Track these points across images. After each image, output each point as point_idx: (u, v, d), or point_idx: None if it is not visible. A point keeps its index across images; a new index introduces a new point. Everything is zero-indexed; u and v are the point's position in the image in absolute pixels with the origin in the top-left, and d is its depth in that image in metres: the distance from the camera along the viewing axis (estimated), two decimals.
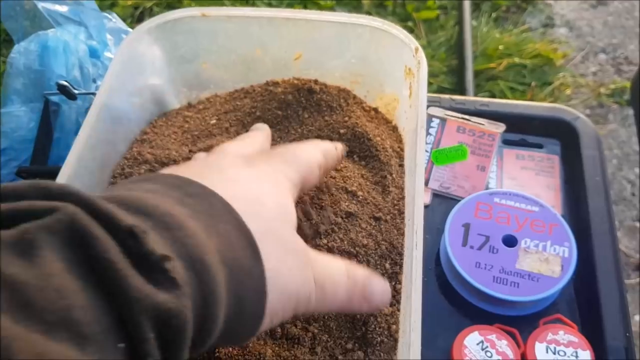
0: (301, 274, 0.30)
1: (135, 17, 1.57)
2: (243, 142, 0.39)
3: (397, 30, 0.48)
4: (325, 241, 0.40)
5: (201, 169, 0.31)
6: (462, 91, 1.39)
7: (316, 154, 0.37)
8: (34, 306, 0.18)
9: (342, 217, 0.41)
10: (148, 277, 0.21)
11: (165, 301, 0.21)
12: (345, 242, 0.40)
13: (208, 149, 0.47)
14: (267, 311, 0.27)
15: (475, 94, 1.40)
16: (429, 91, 0.45)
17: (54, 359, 0.17)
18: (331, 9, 1.63)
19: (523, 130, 0.59)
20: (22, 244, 0.20)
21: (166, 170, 0.31)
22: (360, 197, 0.43)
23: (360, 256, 0.39)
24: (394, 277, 0.40)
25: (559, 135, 0.59)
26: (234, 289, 0.25)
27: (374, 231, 0.41)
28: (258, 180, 0.31)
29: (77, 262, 0.20)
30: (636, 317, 1.17)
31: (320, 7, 1.62)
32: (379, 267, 0.40)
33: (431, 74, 1.45)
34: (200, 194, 0.27)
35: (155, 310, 0.20)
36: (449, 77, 1.47)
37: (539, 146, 0.59)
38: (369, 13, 1.64)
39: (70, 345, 0.18)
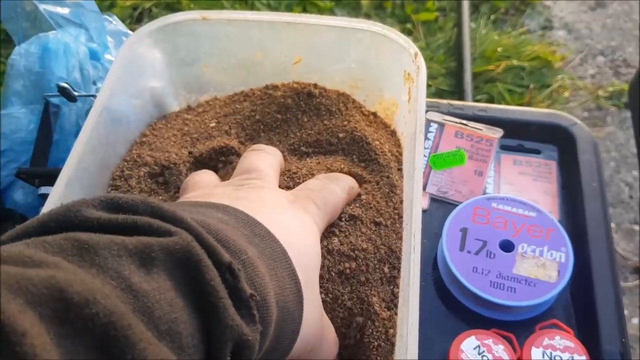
0: (317, 326, 0.34)
1: (134, 18, 1.57)
2: (268, 155, 0.42)
3: (396, 35, 0.49)
4: (325, 243, 0.40)
5: (255, 204, 0.33)
6: (460, 93, 1.39)
7: (343, 195, 0.41)
8: (152, 314, 0.21)
9: (345, 220, 0.42)
10: (237, 309, 0.24)
11: (247, 333, 0.24)
12: (345, 246, 0.40)
13: (207, 152, 0.47)
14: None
15: (474, 96, 1.40)
16: (427, 93, 0.46)
17: None
18: (330, 10, 1.63)
19: (520, 136, 0.59)
20: (143, 257, 0.22)
21: (221, 197, 0.33)
22: (364, 200, 0.43)
23: (360, 260, 0.39)
24: (392, 281, 0.40)
25: (556, 141, 0.59)
26: (278, 327, 0.28)
27: (373, 235, 0.41)
28: (300, 227, 0.34)
29: (183, 283, 0.23)
30: (634, 320, 1.17)
31: (319, 8, 1.62)
32: (377, 270, 0.40)
33: (430, 76, 1.45)
34: (264, 236, 0.30)
35: (238, 338, 0.23)
36: (447, 79, 1.47)
37: (537, 152, 0.59)
38: (367, 14, 1.64)
39: (173, 354, 0.21)
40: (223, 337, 0.23)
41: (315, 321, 0.33)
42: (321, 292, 0.38)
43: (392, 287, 0.40)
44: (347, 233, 0.41)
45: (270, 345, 0.28)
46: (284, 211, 0.34)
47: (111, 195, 0.25)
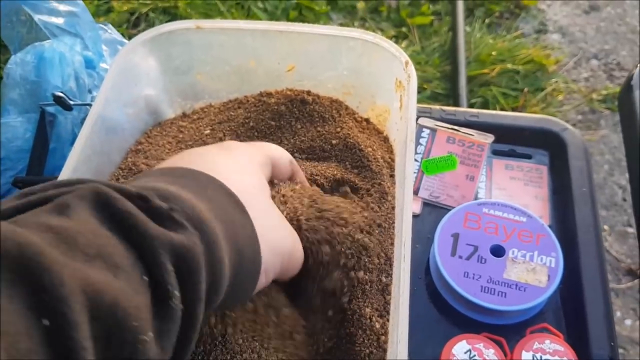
0: (283, 230, 0.36)
1: (131, 23, 1.57)
2: None
3: (388, 44, 0.49)
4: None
5: (184, 157, 0.35)
6: (455, 97, 1.39)
7: (285, 152, 0.42)
8: (76, 243, 0.22)
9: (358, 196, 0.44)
10: (161, 224, 0.25)
11: (179, 239, 0.25)
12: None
13: None
14: (262, 265, 0.32)
15: (468, 100, 1.41)
16: (422, 96, 0.46)
17: (95, 281, 0.21)
18: (326, 13, 1.64)
19: (512, 141, 0.60)
20: (59, 207, 0.24)
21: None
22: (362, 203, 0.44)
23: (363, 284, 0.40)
24: (385, 289, 0.40)
25: (548, 145, 0.60)
26: (232, 239, 0.29)
27: (380, 237, 0.42)
28: (233, 160, 0.36)
29: (102, 217, 0.25)
30: (627, 322, 1.18)
31: (315, 12, 1.63)
32: (375, 284, 0.40)
33: (425, 80, 1.46)
34: (186, 174, 0.32)
35: (171, 245, 0.25)
36: (442, 83, 1.48)
37: (528, 157, 0.60)
38: (363, 19, 1.65)
39: (107, 272, 0.23)
40: (152, 248, 0.24)
41: (276, 226, 0.35)
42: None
43: (385, 294, 0.40)
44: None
45: (232, 259, 0.29)
46: (212, 152, 0.36)
47: (23, 191, 0.27)
